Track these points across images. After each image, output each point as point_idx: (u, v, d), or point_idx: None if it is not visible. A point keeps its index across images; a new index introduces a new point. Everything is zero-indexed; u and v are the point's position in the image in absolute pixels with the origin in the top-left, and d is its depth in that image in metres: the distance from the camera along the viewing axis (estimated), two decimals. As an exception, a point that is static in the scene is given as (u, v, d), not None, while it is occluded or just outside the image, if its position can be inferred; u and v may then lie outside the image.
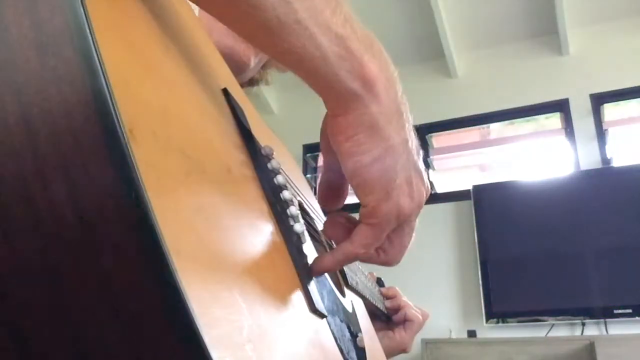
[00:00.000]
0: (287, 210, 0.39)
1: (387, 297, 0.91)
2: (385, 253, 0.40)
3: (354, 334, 0.45)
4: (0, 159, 0.18)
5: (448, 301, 3.09)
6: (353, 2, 0.35)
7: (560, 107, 3.30)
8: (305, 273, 0.36)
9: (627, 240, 2.75)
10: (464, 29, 3.43)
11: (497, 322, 2.93)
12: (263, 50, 0.34)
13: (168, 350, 0.17)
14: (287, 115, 3.91)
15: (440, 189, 3.45)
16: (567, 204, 2.94)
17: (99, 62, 0.19)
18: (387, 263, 0.40)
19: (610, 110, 3.25)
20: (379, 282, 0.94)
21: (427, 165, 3.44)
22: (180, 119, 0.27)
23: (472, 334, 2.86)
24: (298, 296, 0.33)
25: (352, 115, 0.34)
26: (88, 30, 0.19)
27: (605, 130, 3.18)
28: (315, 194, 0.68)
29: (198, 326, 0.17)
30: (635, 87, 3.11)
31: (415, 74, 3.49)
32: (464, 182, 3.37)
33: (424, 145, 3.48)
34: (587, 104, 3.21)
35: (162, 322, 0.17)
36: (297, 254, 0.36)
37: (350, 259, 0.38)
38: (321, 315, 0.36)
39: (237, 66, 0.70)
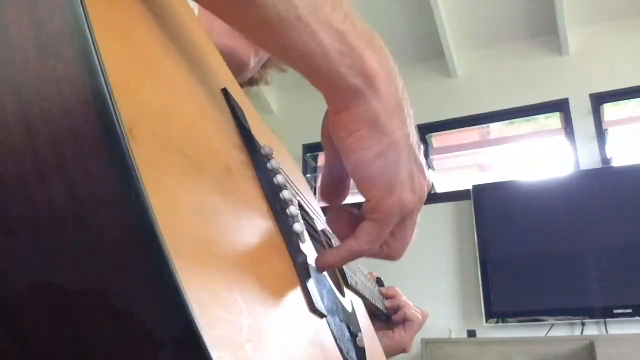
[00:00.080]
0: (287, 210, 0.39)
1: (387, 297, 0.91)
2: (388, 248, 0.40)
3: (354, 334, 0.45)
4: (0, 159, 0.18)
5: (448, 301, 3.09)
6: (353, 2, 0.35)
7: (560, 107, 3.30)
8: (305, 273, 0.36)
9: (627, 240, 2.75)
10: (464, 29, 3.43)
11: (497, 322, 2.93)
12: (264, 47, 0.34)
13: (168, 350, 0.17)
14: (287, 115, 3.91)
15: (440, 189, 3.45)
16: (567, 204, 2.94)
17: (99, 62, 0.19)
18: (390, 257, 0.41)
19: (610, 110, 3.25)
20: (379, 282, 0.94)
21: (427, 165, 3.45)
22: (180, 119, 0.27)
23: (472, 334, 2.86)
24: (298, 296, 0.33)
25: (354, 112, 0.34)
26: (88, 31, 0.19)
27: (605, 130, 3.18)
28: (315, 194, 0.68)
29: (198, 326, 0.17)
30: (635, 87, 3.11)
31: (415, 74, 3.49)
32: (464, 182, 3.37)
33: (424, 145, 3.48)
34: (587, 104, 3.21)
35: (162, 322, 0.17)
36: (296, 254, 0.36)
37: (355, 256, 0.38)
38: (321, 315, 0.36)
39: (237, 66, 0.70)
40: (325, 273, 0.45)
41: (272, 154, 0.43)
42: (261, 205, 0.35)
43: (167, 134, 0.23)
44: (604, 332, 2.66)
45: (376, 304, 0.79)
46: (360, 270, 0.75)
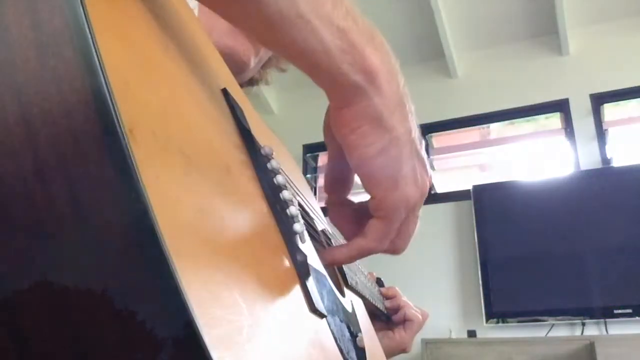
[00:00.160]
0: (287, 210, 0.39)
1: (387, 297, 0.91)
2: (392, 242, 0.40)
3: (354, 334, 0.45)
4: (0, 159, 0.18)
5: (448, 301, 3.09)
6: (353, 2, 0.35)
7: (560, 107, 3.30)
8: (305, 273, 0.36)
9: (627, 240, 2.75)
10: (464, 29, 3.43)
11: (497, 322, 2.93)
12: (265, 44, 0.34)
13: (168, 350, 0.17)
14: (287, 115, 3.91)
15: (440, 189, 3.45)
16: (567, 204, 2.94)
17: (99, 62, 0.19)
18: (394, 252, 0.41)
19: (610, 110, 3.25)
20: (379, 282, 0.94)
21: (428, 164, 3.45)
22: (180, 119, 0.27)
23: (472, 334, 2.86)
24: (298, 296, 0.33)
25: (356, 108, 0.34)
26: (88, 31, 0.19)
27: (605, 130, 3.18)
28: (315, 194, 0.68)
29: (198, 326, 0.17)
30: (635, 87, 3.11)
31: (415, 74, 3.49)
32: (464, 182, 3.37)
33: (425, 145, 3.48)
34: (587, 104, 3.21)
35: (162, 322, 0.17)
36: (296, 254, 0.36)
37: (364, 254, 0.39)
38: (321, 315, 0.36)
39: (237, 66, 0.70)
40: (325, 273, 0.45)
41: (272, 154, 0.43)
42: (261, 205, 0.35)
43: (166, 134, 0.23)
44: (604, 332, 2.67)
45: (376, 304, 0.79)
46: (360, 270, 0.75)
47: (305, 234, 0.41)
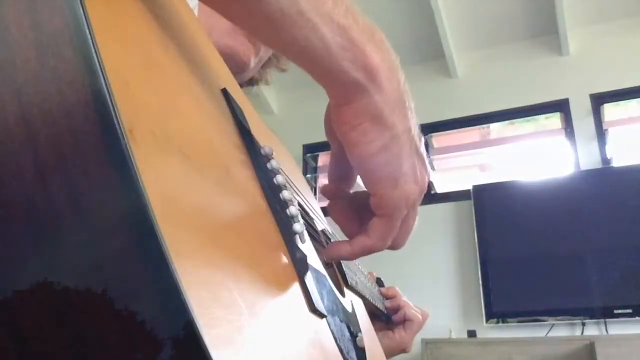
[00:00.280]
0: (287, 210, 0.39)
1: (386, 297, 0.91)
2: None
3: (354, 334, 0.45)
4: (0, 159, 0.18)
5: (448, 301, 3.09)
6: (353, 2, 0.35)
7: (560, 107, 3.30)
8: (304, 273, 0.36)
9: (627, 240, 2.75)
10: (464, 29, 3.43)
11: (497, 322, 2.93)
12: (266, 43, 0.34)
13: (168, 350, 0.17)
14: (287, 115, 3.91)
15: (440, 189, 3.45)
16: (567, 204, 2.94)
17: (99, 62, 0.19)
18: (393, 248, 0.41)
19: (610, 110, 3.25)
20: (379, 282, 0.94)
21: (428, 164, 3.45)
22: (180, 119, 0.27)
23: (472, 334, 2.85)
24: (297, 296, 0.33)
25: (356, 105, 0.34)
26: (87, 31, 0.19)
27: (605, 130, 3.18)
28: (315, 194, 0.68)
29: (198, 326, 0.17)
30: (635, 87, 3.11)
31: (415, 74, 3.49)
32: (464, 182, 3.37)
33: (424, 145, 3.48)
34: (587, 104, 3.21)
35: (162, 322, 0.17)
36: (296, 254, 0.36)
37: (367, 252, 0.39)
38: (321, 315, 0.36)
39: (237, 66, 0.70)
40: (325, 273, 0.45)
41: (272, 153, 0.43)
42: (261, 205, 0.35)
43: (166, 134, 0.23)
44: (604, 332, 2.66)
45: (376, 304, 0.79)
46: (360, 270, 0.75)
47: (305, 234, 0.41)
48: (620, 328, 2.65)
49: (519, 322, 2.90)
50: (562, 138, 3.31)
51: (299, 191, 0.57)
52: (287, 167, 0.53)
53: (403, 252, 0.44)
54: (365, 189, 0.39)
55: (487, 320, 2.92)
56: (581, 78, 3.26)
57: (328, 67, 0.32)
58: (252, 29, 0.32)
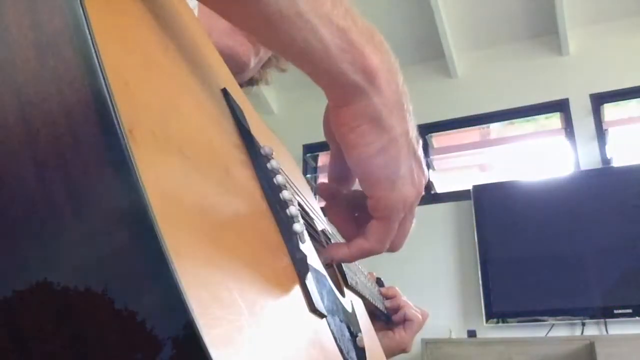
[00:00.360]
0: (287, 210, 0.39)
1: (386, 297, 0.91)
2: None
3: (354, 334, 0.45)
4: (0, 159, 0.18)
5: (448, 301, 3.09)
6: (353, 2, 0.35)
7: (560, 107, 3.30)
8: (304, 273, 0.36)
9: (627, 240, 2.75)
10: (464, 29, 3.43)
11: (497, 322, 2.93)
12: (265, 44, 0.34)
13: (168, 350, 0.17)
14: (287, 115, 3.91)
15: (440, 189, 3.45)
16: (567, 204, 2.94)
17: (99, 62, 0.19)
18: (391, 250, 0.42)
19: (610, 110, 3.25)
20: (379, 282, 0.94)
21: (427, 165, 3.46)
22: (180, 119, 0.27)
23: (472, 334, 2.86)
24: (297, 296, 0.33)
25: (355, 107, 0.34)
26: (87, 31, 0.19)
27: (605, 130, 3.18)
28: (315, 194, 0.68)
29: (198, 326, 0.17)
30: (635, 87, 3.11)
31: (415, 74, 3.49)
32: (464, 182, 3.37)
33: (424, 145, 3.48)
34: (587, 104, 3.21)
35: (162, 322, 0.17)
36: (296, 254, 0.36)
37: (366, 254, 0.39)
38: (321, 315, 0.36)
39: (237, 66, 0.70)
40: (325, 273, 0.45)
41: (272, 153, 0.43)
42: (261, 205, 0.35)
43: (166, 134, 0.23)
44: (604, 332, 2.67)
45: (376, 304, 0.79)
46: (360, 270, 0.75)
47: (305, 234, 0.41)
48: (620, 328, 2.65)
49: (519, 322, 2.90)
50: (562, 138, 3.31)
51: (299, 191, 0.57)
52: (287, 167, 0.53)
53: (403, 252, 0.44)
54: (361, 189, 0.39)
55: (487, 320, 2.92)
56: (581, 78, 3.26)
57: (327, 69, 0.32)
58: (251, 30, 0.32)
